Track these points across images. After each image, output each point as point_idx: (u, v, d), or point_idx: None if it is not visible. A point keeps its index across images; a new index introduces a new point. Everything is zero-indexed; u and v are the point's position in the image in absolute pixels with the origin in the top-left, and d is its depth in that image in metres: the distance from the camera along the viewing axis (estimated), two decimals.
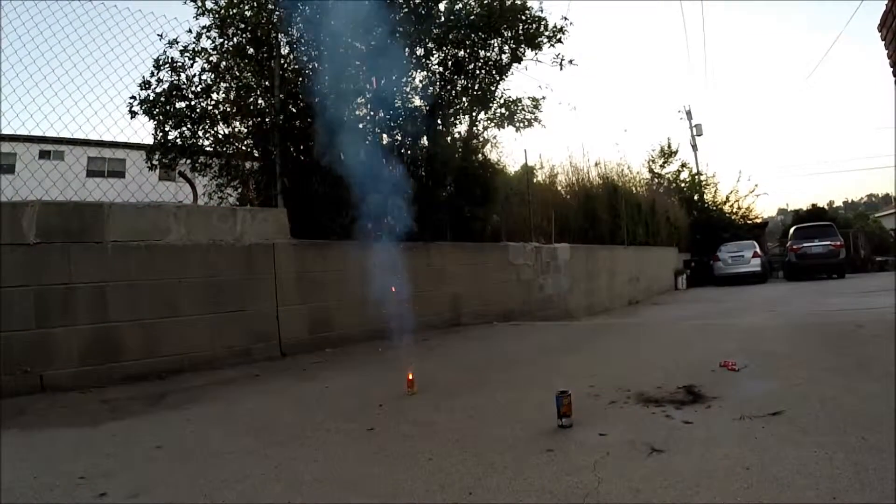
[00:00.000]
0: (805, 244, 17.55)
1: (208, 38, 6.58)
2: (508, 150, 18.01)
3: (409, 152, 7.59)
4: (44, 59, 5.46)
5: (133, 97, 6.24)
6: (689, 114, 27.70)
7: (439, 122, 8.06)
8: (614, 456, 2.35)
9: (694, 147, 26.97)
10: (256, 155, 6.79)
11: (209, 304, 4.98)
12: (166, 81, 6.37)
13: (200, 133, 6.68)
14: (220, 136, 6.78)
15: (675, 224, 18.99)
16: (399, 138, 7.50)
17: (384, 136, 7.41)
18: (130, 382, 4.51)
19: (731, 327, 6.58)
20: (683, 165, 24.06)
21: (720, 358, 4.17)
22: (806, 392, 3.17)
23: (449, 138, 8.32)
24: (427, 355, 5.29)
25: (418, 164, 7.62)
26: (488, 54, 8.57)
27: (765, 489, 1.91)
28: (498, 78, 8.80)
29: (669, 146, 23.48)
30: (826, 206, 30.31)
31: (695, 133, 27.35)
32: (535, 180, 11.40)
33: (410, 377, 3.71)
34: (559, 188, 12.51)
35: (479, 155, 8.67)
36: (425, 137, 7.84)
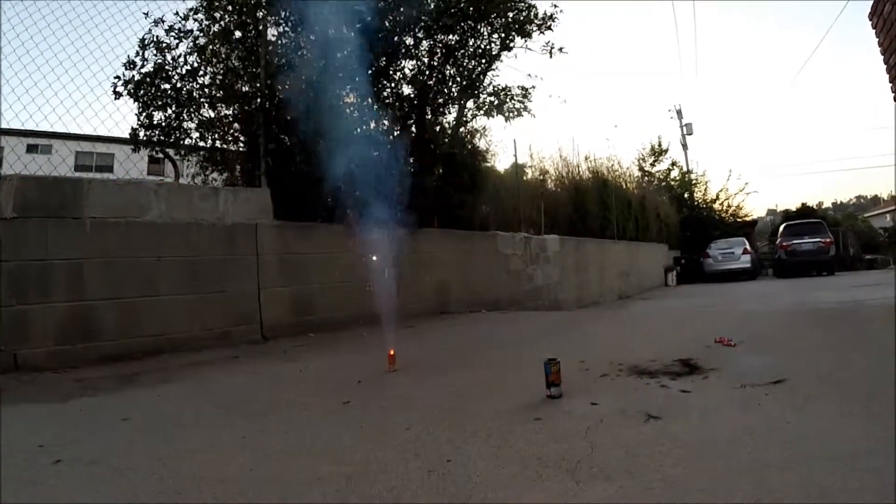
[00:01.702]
0: (795, 241, 17.51)
1: (195, 20, 6.47)
2: (498, 138, 17.94)
3: (396, 138, 7.49)
4: (23, 48, 5.34)
5: (117, 77, 6.11)
6: (679, 113, 27.73)
7: (427, 108, 7.97)
8: (607, 423, 2.25)
9: (684, 146, 26.99)
10: (242, 140, 6.67)
11: (189, 285, 4.84)
12: (152, 61, 6.25)
13: (185, 116, 6.57)
14: (206, 120, 6.66)
15: (666, 221, 18.98)
16: (387, 124, 7.40)
17: (371, 121, 7.31)
18: (106, 363, 4.35)
19: (724, 313, 6.54)
20: (674, 164, 24.07)
21: (707, 336, 4.11)
22: (804, 365, 3.12)
23: (437, 127, 8.23)
24: (412, 339, 5.17)
25: (406, 149, 7.52)
26: (477, 42, 8.49)
27: (771, 452, 1.81)
28: (487, 66, 8.71)
29: (660, 144, 23.46)
30: (815, 207, 30.37)
31: (685, 132, 27.37)
32: (525, 175, 11.31)
33: (392, 353, 3.57)
34: (549, 181, 12.43)
35: (469, 144, 8.58)
36: (414, 125, 7.75)
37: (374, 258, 5.28)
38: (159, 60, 6.26)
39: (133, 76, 6.19)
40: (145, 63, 6.21)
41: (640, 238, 15.98)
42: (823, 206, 29.59)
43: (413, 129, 7.72)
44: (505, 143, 11.82)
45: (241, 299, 5.17)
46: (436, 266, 7.33)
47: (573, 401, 2.63)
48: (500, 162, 10.40)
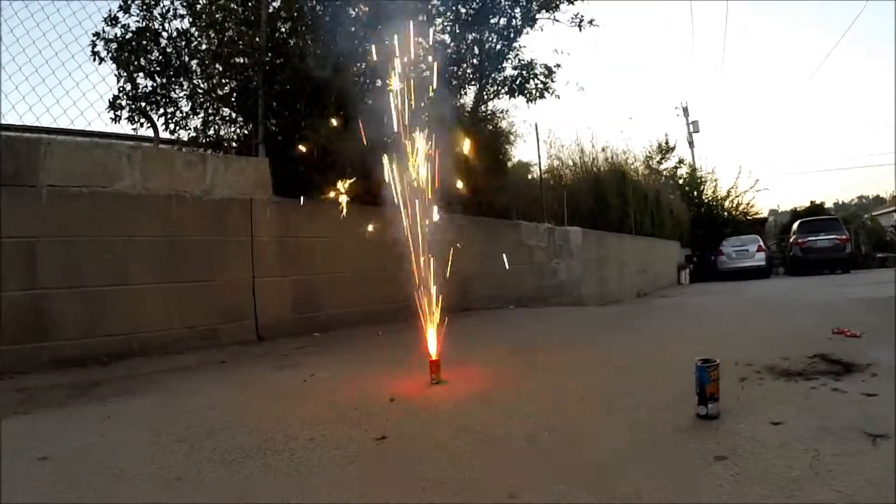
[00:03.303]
0: (811, 238, 16.57)
1: None
2: (521, 118, 16.98)
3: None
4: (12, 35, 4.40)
5: (97, 34, 5.11)
6: (685, 110, 26.76)
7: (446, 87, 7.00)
8: (828, 453, 1.41)
9: (690, 144, 26.04)
10: (240, 112, 5.67)
11: (167, 271, 3.81)
12: (137, 16, 5.26)
13: (175, 85, 5.58)
14: (199, 90, 5.66)
15: (678, 218, 18.01)
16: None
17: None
18: (63, 367, 3.38)
19: (792, 303, 5.64)
20: (681, 161, 23.07)
21: (807, 328, 3.58)
22: None
23: (456, 105, 7.27)
24: (443, 339, 4.19)
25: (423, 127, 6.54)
26: (500, 15, 7.55)
27: None
28: (509, 44, 7.76)
29: (667, 142, 22.42)
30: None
31: (691, 130, 26.41)
32: (544, 164, 10.32)
33: (435, 359, 2.57)
34: (568, 171, 11.45)
35: (490, 124, 7.60)
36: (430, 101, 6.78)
37: (390, 245, 4.35)
38: (145, 13, 5.26)
39: (116, 34, 5.20)
40: (129, 16, 5.22)
41: (655, 234, 14.98)
42: (825, 207, 28.54)
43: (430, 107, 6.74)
44: (528, 124, 10.75)
45: (231, 290, 4.13)
46: (457, 256, 6.30)
47: (740, 420, 1.74)
48: (523, 144, 9.46)
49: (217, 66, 5.48)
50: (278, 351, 3.81)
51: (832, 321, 3.64)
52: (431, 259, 3.02)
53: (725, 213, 21.69)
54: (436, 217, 3.22)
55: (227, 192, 4.12)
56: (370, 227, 5.10)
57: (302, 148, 4.79)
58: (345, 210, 4.72)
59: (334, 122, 5.07)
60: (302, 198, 4.73)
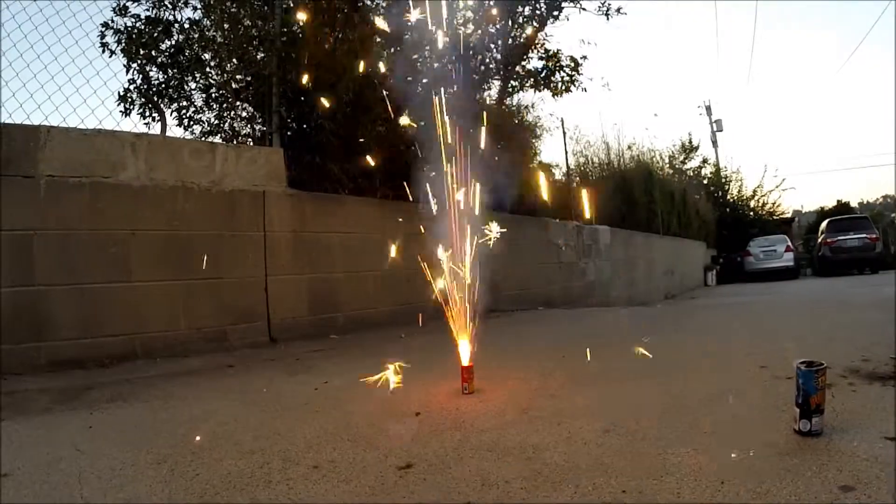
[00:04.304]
0: (840, 237, 15.80)
1: None
2: (547, 110, 16.44)
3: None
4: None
5: (105, 24, 4.84)
6: (708, 109, 25.95)
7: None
8: None
9: (714, 143, 25.23)
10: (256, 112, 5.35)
11: (173, 268, 3.48)
12: (147, 3, 4.99)
13: (189, 77, 5.29)
14: (213, 82, 5.36)
15: (703, 218, 17.34)
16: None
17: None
18: (60, 369, 3.10)
19: (838, 301, 5.33)
20: (705, 161, 22.30)
21: (868, 326, 3.23)
22: None
23: (481, 98, 6.90)
24: (473, 342, 3.78)
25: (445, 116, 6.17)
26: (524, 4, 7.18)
27: None
28: (534, 34, 7.37)
29: (690, 142, 21.68)
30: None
31: (714, 129, 25.60)
32: (569, 159, 9.86)
33: (468, 364, 2.16)
34: (594, 168, 10.98)
35: (515, 118, 7.20)
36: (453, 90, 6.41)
37: (412, 241, 3.99)
38: (157, 2, 4.99)
39: (125, 25, 4.93)
40: (140, 5, 4.95)
41: (681, 234, 14.37)
42: (851, 206, 27.48)
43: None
44: (555, 117, 10.30)
45: (242, 289, 3.77)
46: (484, 254, 5.88)
47: (849, 436, 1.39)
48: (547, 142, 9.05)
49: (233, 60, 5.18)
50: (291, 354, 3.42)
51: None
52: (465, 256, 2.62)
53: (751, 213, 20.91)
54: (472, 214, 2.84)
55: (238, 184, 3.76)
56: (388, 223, 4.74)
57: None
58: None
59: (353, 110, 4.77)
60: (319, 191, 4.37)
